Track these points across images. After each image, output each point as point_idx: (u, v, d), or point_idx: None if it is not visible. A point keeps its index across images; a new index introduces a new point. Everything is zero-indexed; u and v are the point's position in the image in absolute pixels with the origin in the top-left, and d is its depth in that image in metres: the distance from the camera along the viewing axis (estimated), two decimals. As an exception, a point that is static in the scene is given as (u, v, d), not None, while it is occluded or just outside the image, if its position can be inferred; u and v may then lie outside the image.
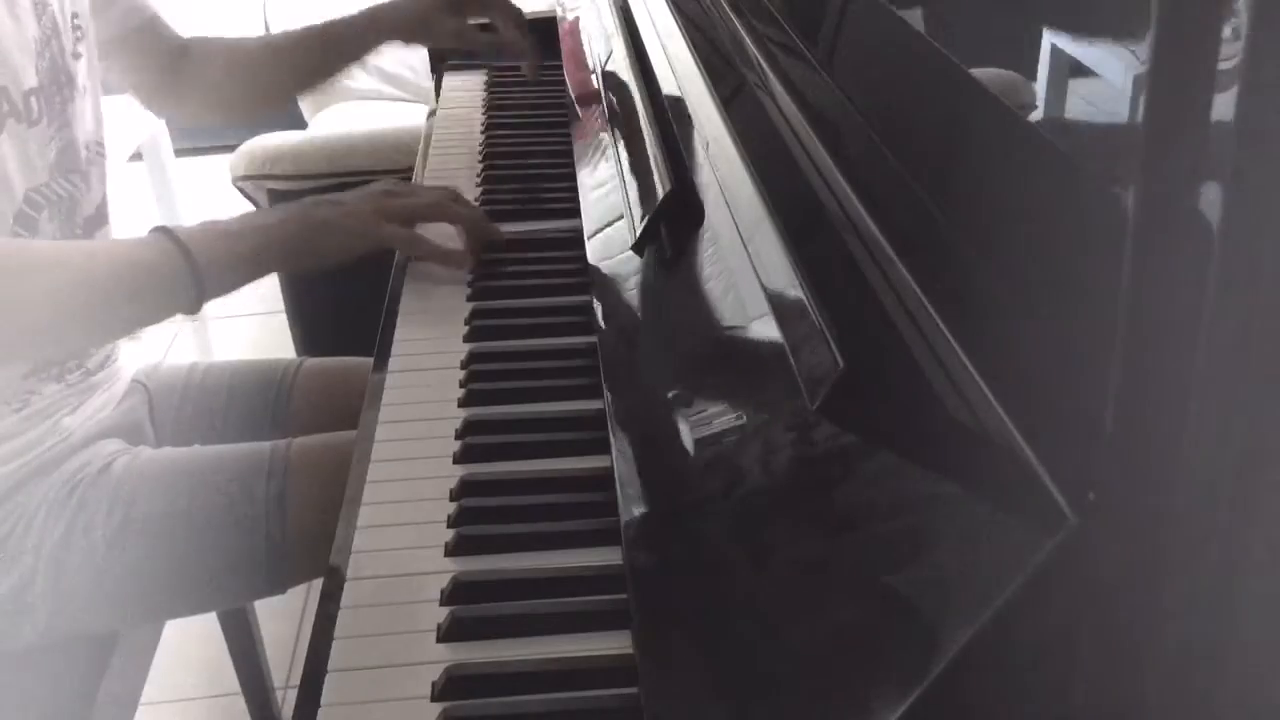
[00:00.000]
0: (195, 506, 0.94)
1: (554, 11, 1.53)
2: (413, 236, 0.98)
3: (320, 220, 0.93)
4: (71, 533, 0.92)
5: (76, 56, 0.96)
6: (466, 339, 0.91)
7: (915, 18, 0.58)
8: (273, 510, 0.94)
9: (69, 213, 0.94)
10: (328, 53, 1.25)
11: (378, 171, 1.82)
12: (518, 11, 1.31)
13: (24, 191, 0.89)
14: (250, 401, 1.13)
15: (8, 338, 0.80)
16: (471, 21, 1.28)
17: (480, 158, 1.23)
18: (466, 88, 1.45)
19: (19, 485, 0.92)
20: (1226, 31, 0.30)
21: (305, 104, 2.46)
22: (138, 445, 1.02)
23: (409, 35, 1.25)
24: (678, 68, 0.94)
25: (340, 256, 0.94)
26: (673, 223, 0.79)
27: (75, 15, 0.97)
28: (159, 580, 0.94)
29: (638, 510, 0.65)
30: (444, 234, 1.01)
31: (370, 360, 0.91)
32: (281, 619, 1.61)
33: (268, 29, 2.68)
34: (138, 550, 0.93)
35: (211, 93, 1.21)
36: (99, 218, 1.00)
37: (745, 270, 0.64)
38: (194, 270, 0.85)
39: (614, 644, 0.62)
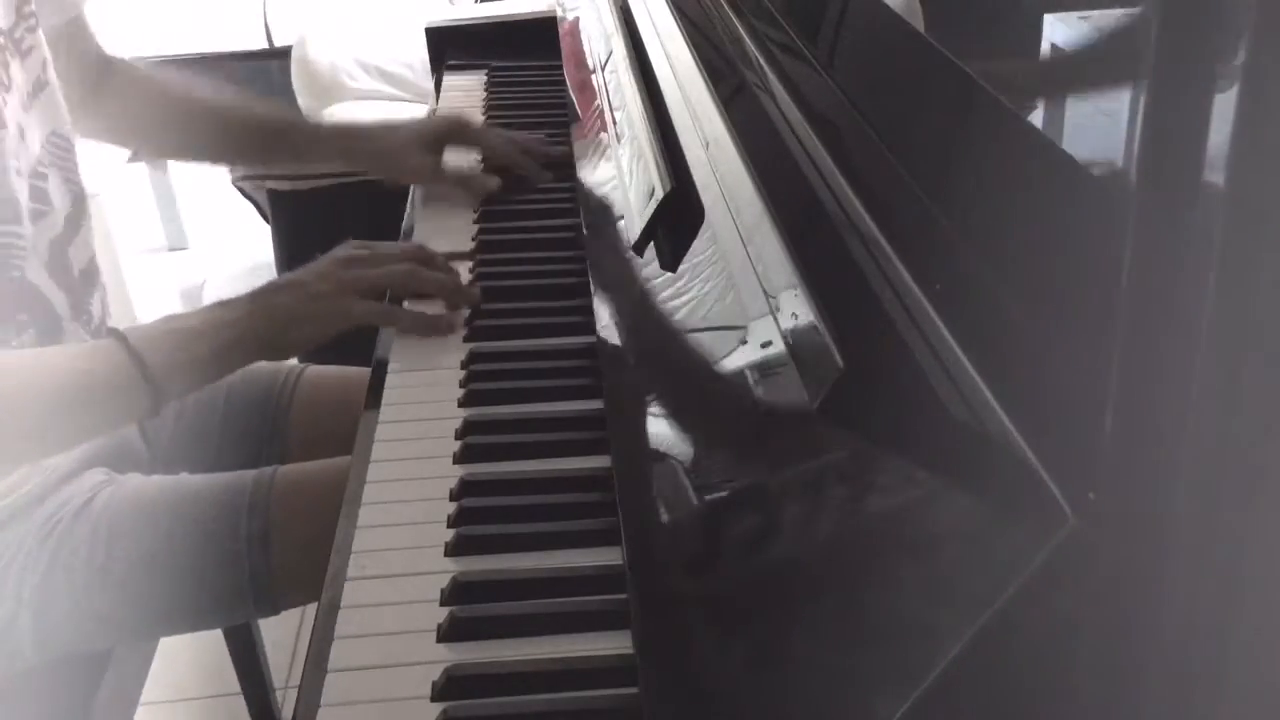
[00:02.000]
0: (176, 545, 0.92)
1: (554, 11, 1.53)
2: (388, 311, 0.93)
3: (285, 310, 0.88)
4: (52, 573, 0.90)
5: (5, 87, 0.88)
6: (466, 339, 0.91)
7: (915, 18, 0.58)
8: (255, 547, 0.92)
9: (4, 261, 0.88)
10: (279, 148, 1.17)
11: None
12: (505, 142, 1.20)
13: None
14: (249, 411, 1.11)
15: None
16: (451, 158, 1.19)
17: (480, 158, 1.23)
18: (466, 87, 1.45)
19: None
20: (1227, 30, 0.30)
21: (305, 104, 2.46)
22: (125, 471, 0.99)
23: (377, 170, 1.17)
24: (678, 68, 0.94)
25: (311, 345, 0.90)
26: (673, 223, 0.79)
27: (13, 29, 0.91)
28: (144, 614, 0.93)
29: (638, 510, 0.65)
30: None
31: (369, 370, 0.90)
32: (281, 619, 1.60)
33: (268, 31, 2.68)
34: (120, 588, 0.91)
35: (127, 120, 1.13)
36: (69, 232, 0.95)
37: (745, 270, 0.64)
38: (148, 379, 0.81)
39: (614, 644, 0.62)
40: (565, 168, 1.16)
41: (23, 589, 0.90)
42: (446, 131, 1.17)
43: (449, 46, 1.55)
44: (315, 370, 1.16)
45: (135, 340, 0.82)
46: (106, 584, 0.91)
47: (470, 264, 1.02)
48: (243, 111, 1.16)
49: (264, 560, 0.92)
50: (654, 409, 0.71)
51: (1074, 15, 0.42)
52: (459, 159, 1.21)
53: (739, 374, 0.62)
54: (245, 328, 0.86)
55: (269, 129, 1.16)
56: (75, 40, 1.06)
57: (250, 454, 1.06)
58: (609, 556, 0.68)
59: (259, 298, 0.88)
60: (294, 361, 1.15)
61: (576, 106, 1.25)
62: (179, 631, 1.01)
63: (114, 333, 0.83)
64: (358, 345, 1.00)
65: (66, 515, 0.92)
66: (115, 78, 1.11)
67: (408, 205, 1.17)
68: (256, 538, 0.92)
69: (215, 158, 1.27)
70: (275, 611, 0.96)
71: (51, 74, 0.96)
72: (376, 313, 0.92)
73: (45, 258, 0.92)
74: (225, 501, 0.94)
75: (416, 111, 2.09)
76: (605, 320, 0.85)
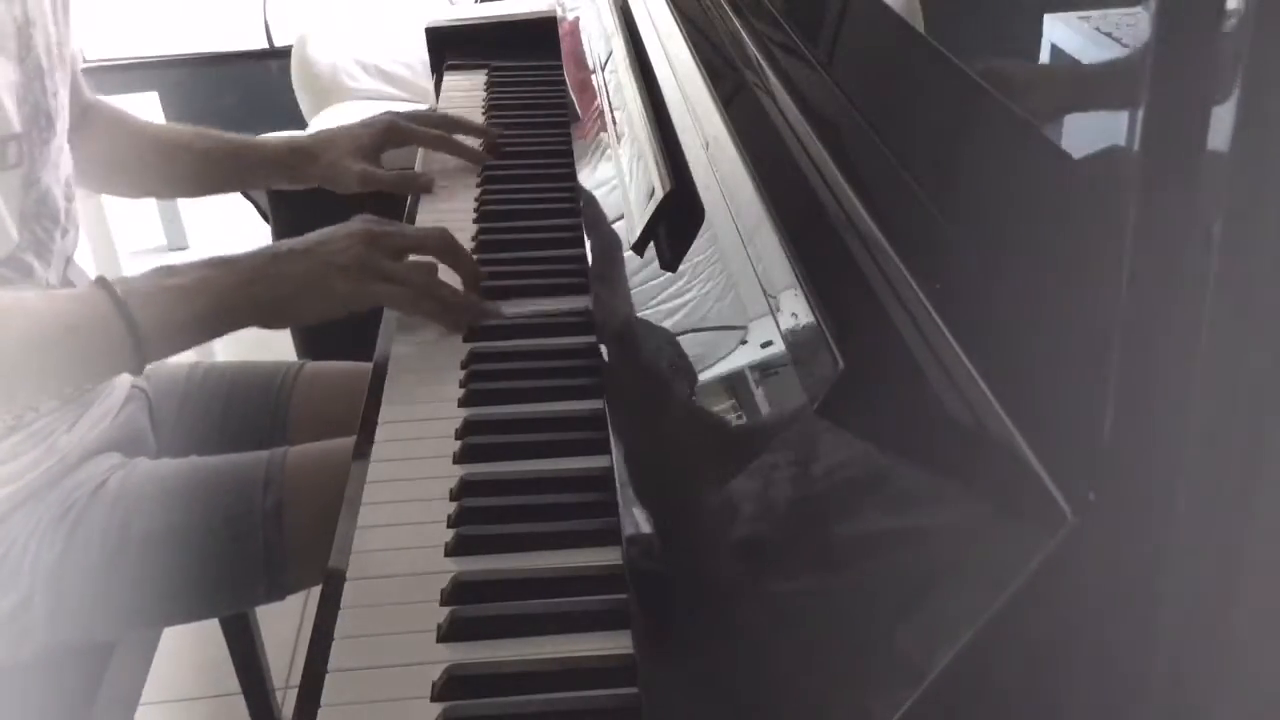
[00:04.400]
0: (191, 521, 0.93)
1: (554, 11, 1.53)
2: (411, 298, 0.89)
3: (296, 279, 0.84)
4: (68, 553, 0.91)
5: (55, 94, 0.92)
6: (466, 339, 0.91)
7: (915, 18, 0.58)
8: (269, 522, 0.93)
9: (41, 257, 0.90)
10: (229, 176, 1.19)
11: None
12: (438, 139, 1.21)
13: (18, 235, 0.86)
14: (249, 407, 1.12)
15: None
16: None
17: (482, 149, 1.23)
18: (466, 87, 1.45)
19: (14, 509, 0.91)
20: (1227, 29, 0.30)
21: (305, 104, 2.46)
22: (135, 456, 1.00)
23: (323, 184, 1.17)
24: (678, 68, 0.94)
25: (316, 320, 0.86)
26: (673, 223, 0.79)
27: (59, 44, 0.94)
28: (158, 594, 0.94)
29: (638, 510, 0.65)
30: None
31: (369, 366, 0.90)
32: (281, 619, 1.61)
33: (268, 31, 2.68)
34: (136, 567, 0.92)
35: (98, 163, 1.13)
36: (69, 261, 0.96)
37: (745, 270, 0.64)
38: (134, 335, 0.79)
39: (614, 644, 0.62)
40: (565, 167, 1.17)
41: (38, 570, 0.90)
42: (383, 138, 1.17)
43: (449, 46, 1.55)
44: (315, 365, 1.17)
45: (124, 293, 0.79)
46: (122, 563, 0.92)
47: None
48: (203, 142, 1.16)
49: (277, 535, 0.93)
50: (654, 409, 0.71)
51: (1074, 15, 0.42)
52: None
53: (739, 374, 0.62)
54: (245, 294, 0.83)
55: (222, 156, 1.16)
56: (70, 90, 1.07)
57: (252, 446, 1.07)
58: (609, 556, 0.68)
59: (266, 262, 0.84)
60: (294, 357, 1.16)
61: (576, 106, 1.25)
62: (188, 617, 1.02)
63: (102, 283, 0.80)
64: (357, 340, 1.00)
65: (82, 497, 0.93)
66: (91, 121, 1.12)
67: (408, 204, 1.17)
68: (271, 512, 0.93)
69: (182, 191, 1.27)
70: (282, 595, 0.97)
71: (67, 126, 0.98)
72: (396, 296, 0.88)
73: (61, 272, 0.94)
74: (240, 477, 0.95)
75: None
76: (605, 320, 0.85)
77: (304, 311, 0.86)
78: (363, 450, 0.79)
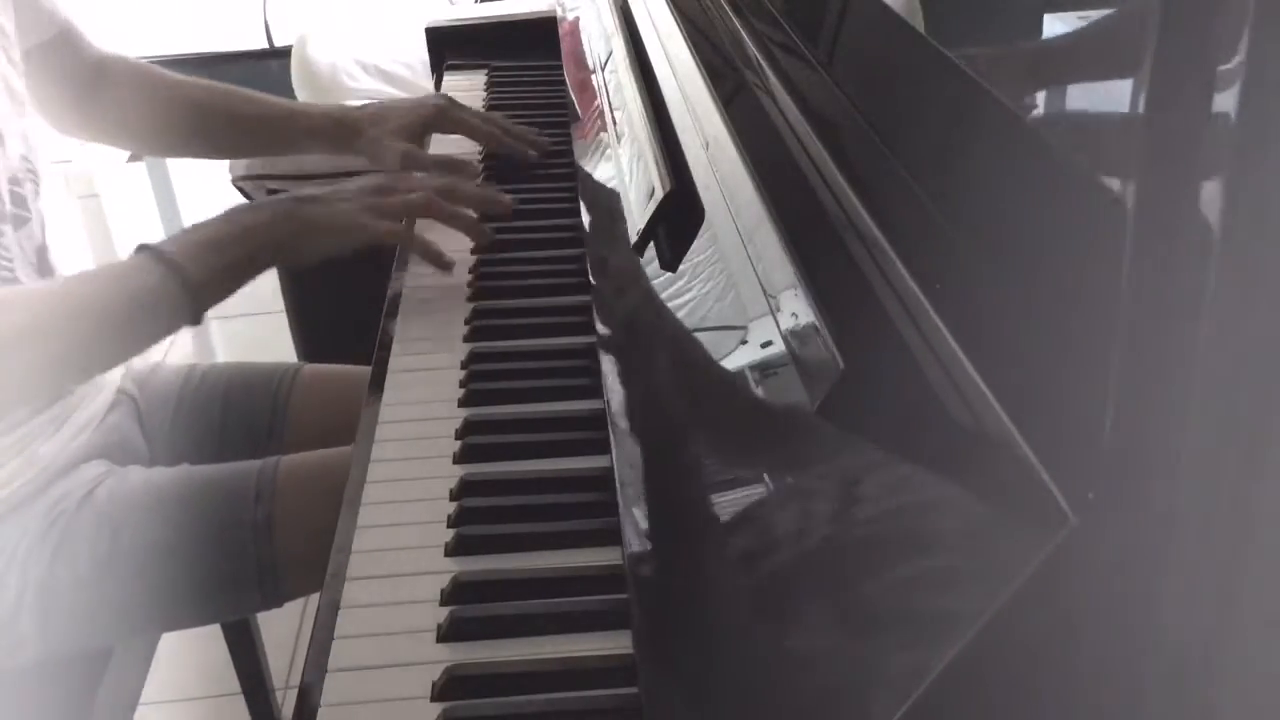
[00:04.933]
0: (181, 535, 0.92)
1: (554, 11, 1.53)
2: (407, 234, 0.98)
3: (310, 218, 0.91)
4: (56, 565, 0.90)
5: None
6: (466, 339, 0.91)
7: (915, 18, 0.58)
8: (260, 535, 0.93)
9: None
10: (266, 143, 1.19)
11: (378, 171, 1.82)
12: (492, 123, 1.20)
13: None
14: (248, 408, 1.12)
15: (4, 385, 0.79)
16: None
17: (480, 157, 1.23)
18: (466, 87, 1.45)
19: None
20: (1228, 30, 0.30)
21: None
22: (125, 464, 0.99)
23: (359, 155, 1.17)
24: (678, 68, 0.94)
25: (331, 254, 0.93)
26: (673, 223, 0.79)
27: None
28: (151, 603, 0.93)
29: (638, 510, 0.65)
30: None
31: (369, 368, 0.91)
32: (281, 619, 1.60)
33: (268, 31, 2.68)
34: (126, 579, 0.91)
35: (122, 120, 1.13)
36: (42, 250, 0.95)
37: (745, 270, 0.64)
38: (188, 288, 0.84)
39: (614, 644, 0.62)
40: (565, 167, 1.16)
41: (26, 582, 0.90)
42: (432, 121, 1.18)
43: (449, 46, 1.55)
44: (313, 368, 1.16)
45: (169, 252, 0.84)
46: (111, 575, 0.91)
47: (470, 263, 1.02)
48: (240, 104, 1.15)
49: (269, 548, 0.93)
50: (654, 409, 0.71)
51: (1074, 15, 0.42)
52: None
53: (739, 374, 0.62)
54: (270, 234, 0.90)
55: (261, 122, 1.16)
56: (64, 53, 1.06)
57: (249, 451, 1.06)
58: (609, 556, 0.68)
59: (284, 205, 0.91)
60: (293, 358, 1.15)
61: (576, 106, 1.25)
62: (183, 625, 1.01)
63: (145, 248, 0.85)
64: (358, 341, 1.00)
65: (69, 508, 0.92)
66: (110, 78, 1.11)
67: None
68: (261, 525, 0.93)
69: (214, 152, 1.27)
70: (279, 603, 0.96)
71: (27, 107, 0.96)
72: (394, 233, 0.96)
73: (34, 262, 0.93)
74: (230, 490, 0.95)
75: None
76: (605, 320, 0.85)
77: (319, 248, 0.92)
78: (363, 449, 0.79)
